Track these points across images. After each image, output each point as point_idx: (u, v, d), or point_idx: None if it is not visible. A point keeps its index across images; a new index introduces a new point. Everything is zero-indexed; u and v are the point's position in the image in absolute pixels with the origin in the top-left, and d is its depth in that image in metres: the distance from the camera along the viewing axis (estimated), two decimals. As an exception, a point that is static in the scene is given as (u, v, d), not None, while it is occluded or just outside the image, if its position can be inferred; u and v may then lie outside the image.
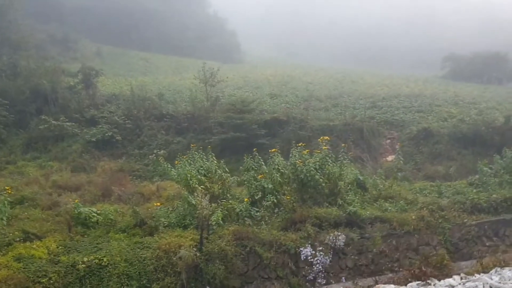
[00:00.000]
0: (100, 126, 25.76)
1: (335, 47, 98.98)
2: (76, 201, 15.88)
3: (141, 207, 15.68)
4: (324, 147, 16.31)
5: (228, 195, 16.05)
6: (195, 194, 13.80)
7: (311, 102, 31.35)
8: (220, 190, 16.26)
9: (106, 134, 25.12)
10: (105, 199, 17.33)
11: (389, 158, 25.86)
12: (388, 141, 26.92)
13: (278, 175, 15.26)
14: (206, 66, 29.15)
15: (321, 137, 16.85)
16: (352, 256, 13.55)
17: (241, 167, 17.74)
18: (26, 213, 15.08)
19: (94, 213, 14.17)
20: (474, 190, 16.54)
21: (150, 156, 24.24)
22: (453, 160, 23.45)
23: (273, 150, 16.28)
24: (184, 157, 16.25)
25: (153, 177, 22.12)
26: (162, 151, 24.23)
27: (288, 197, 14.44)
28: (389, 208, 15.12)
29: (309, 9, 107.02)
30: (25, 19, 51.31)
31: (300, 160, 15.57)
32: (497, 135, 23.81)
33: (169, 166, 16.44)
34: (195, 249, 12.27)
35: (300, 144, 16.57)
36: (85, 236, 13.20)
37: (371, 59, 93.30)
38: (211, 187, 15.75)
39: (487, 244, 14.06)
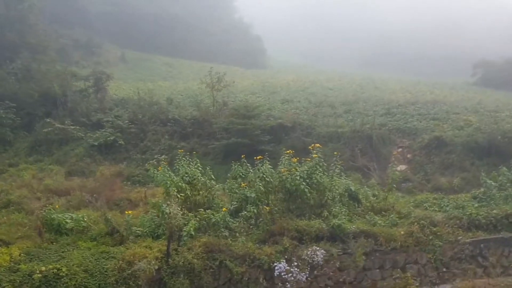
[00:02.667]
0: (104, 130, 25.60)
1: (363, 52, 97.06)
2: (57, 206, 15.67)
3: (123, 215, 15.29)
4: (314, 155, 15.48)
5: (213, 204, 15.40)
6: (168, 202, 13.22)
7: (322, 108, 30.40)
8: (205, 199, 15.70)
9: (109, 138, 24.96)
10: (90, 205, 16.97)
11: (400, 167, 24.66)
12: (400, 149, 25.68)
13: (261, 184, 14.47)
14: (213, 70, 28.58)
15: (312, 145, 16.00)
16: (332, 273, 12.65)
17: (229, 175, 17.09)
18: (5, 218, 14.85)
19: (69, 219, 13.77)
20: (476, 205, 15.34)
21: (150, 161, 23.85)
22: (466, 171, 22.06)
23: (259, 157, 15.53)
24: (165, 162, 15.63)
25: (150, 183, 21.70)
26: (163, 156, 23.80)
27: (268, 208, 13.63)
28: (379, 222, 14.11)
29: (336, 14, 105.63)
30: (50, 24, 52.51)
31: (284, 169, 14.81)
32: (515, 145, 22.31)
33: (155, 171, 15.94)
34: (158, 261, 11.68)
35: (288, 151, 15.78)
36: (54, 243, 12.80)
37: (401, 65, 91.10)
38: (192, 195, 15.18)
39: (483, 264, 12.87)
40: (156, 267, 11.28)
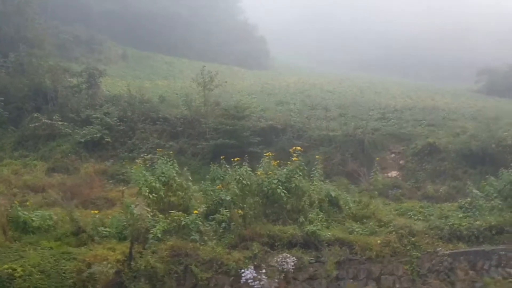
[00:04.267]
0: (92, 127, 25.17)
1: (367, 56, 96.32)
2: (28, 203, 15.30)
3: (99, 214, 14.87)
4: (295, 158, 14.98)
5: (189, 206, 14.91)
6: (137, 202, 12.76)
7: (316, 111, 29.83)
8: (181, 200, 15.24)
9: (95, 135, 24.49)
10: (64, 203, 16.53)
11: (392, 173, 24.09)
12: (392, 155, 25.09)
13: (236, 187, 13.98)
14: (205, 69, 28.13)
15: (293, 148, 15.51)
16: (303, 282, 12.12)
17: (207, 176, 16.65)
18: (-27, 214, 14.42)
19: (35, 217, 13.34)
20: (461, 215, 14.75)
21: (136, 160, 23.41)
22: (458, 179, 21.40)
23: (236, 159, 15.08)
24: (139, 162, 15.19)
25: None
26: (149, 155, 23.38)
27: (240, 211, 13.13)
28: (357, 229, 13.56)
29: (341, 17, 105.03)
30: (51, 20, 52.31)
31: (261, 171, 14.35)
32: (509, 154, 21.60)
33: (132, 170, 15.52)
34: (119, 264, 11.22)
35: (267, 154, 15.32)
36: (17, 242, 12.37)
37: (404, 70, 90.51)
38: (166, 196, 14.72)
39: (461, 277, 12.29)
40: (113, 270, 10.80)
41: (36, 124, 25.19)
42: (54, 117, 25.74)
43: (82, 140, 24.49)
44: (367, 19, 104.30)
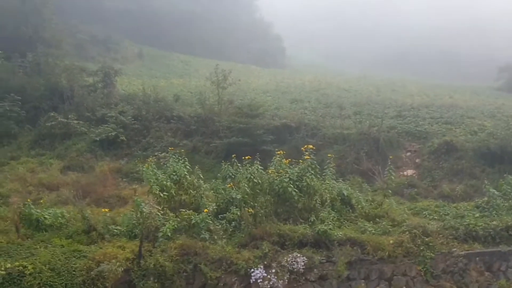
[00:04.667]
0: (107, 125, 25.36)
1: (386, 54, 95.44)
2: (42, 201, 15.40)
3: (111, 212, 14.95)
4: (306, 157, 14.80)
5: (201, 204, 14.85)
6: (147, 201, 12.75)
7: (331, 109, 29.58)
8: (193, 199, 15.21)
9: (110, 134, 24.67)
10: (78, 200, 16.64)
11: (408, 172, 23.72)
12: (408, 153, 24.70)
13: (247, 185, 13.88)
14: (219, 67, 28.09)
15: (305, 146, 15.31)
16: (314, 282, 11.96)
17: (218, 175, 16.57)
18: (-11, 211, 14.64)
19: (47, 215, 13.42)
20: (477, 214, 14.39)
21: (150, 158, 23.49)
22: (475, 178, 20.93)
23: (247, 157, 14.97)
24: (150, 160, 15.21)
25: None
26: (163, 154, 23.45)
27: (250, 210, 13.01)
28: (369, 229, 13.33)
29: (359, 15, 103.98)
30: (69, 20, 52.96)
31: (272, 170, 14.21)
32: (529, 152, 21.09)
33: (143, 169, 15.52)
34: (129, 262, 11.21)
35: (279, 152, 15.17)
36: (29, 239, 12.46)
37: (424, 68, 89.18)
38: (177, 194, 14.69)
39: (477, 279, 11.98)
40: (122, 268, 10.78)
41: (52, 123, 25.53)
42: (70, 116, 26.05)
43: (97, 138, 24.71)
44: (386, 17, 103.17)
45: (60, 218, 13.26)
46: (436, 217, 15.12)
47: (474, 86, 61.40)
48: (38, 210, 13.36)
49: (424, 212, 15.97)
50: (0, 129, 25.73)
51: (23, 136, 26.08)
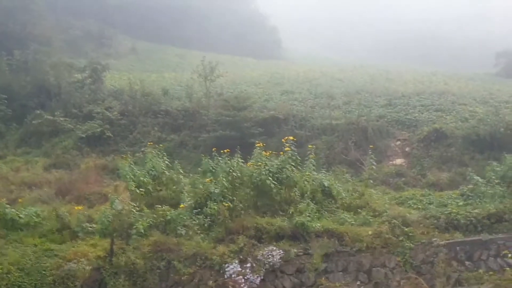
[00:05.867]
0: (93, 122, 25.13)
1: (384, 43, 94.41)
2: (20, 200, 15.21)
3: (90, 210, 14.76)
4: (287, 149, 14.54)
5: (180, 199, 14.62)
6: (120, 198, 12.53)
7: (321, 99, 29.23)
8: (173, 194, 15.01)
9: (96, 130, 24.46)
10: (57, 198, 16.46)
11: (397, 161, 23.43)
12: (398, 142, 24.39)
13: (225, 179, 13.62)
14: (205, 59, 27.74)
15: (286, 137, 15.06)
16: (291, 276, 11.73)
17: (199, 169, 16.31)
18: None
19: (22, 214, 13.21)
20: (461, 203, 14.11)
21: (137, 154, 23.27)
22: (465, 165, 20.60)
23: (226, 150, 14.73)
24: (126, 156, 14.97)
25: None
26: (149, 149, 23.23)
27: (227, 204, 12.77)
28: (348, 220, 13.08)
29: (357, 4, 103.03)
30: (62, 16, 52.62)
31: (251, 163, 13.97)
32: (519, 138, 20.74)
33: (121, 165, 15.29)
34: (101, 260, 11.01)
35: (258, 144, 14.90)
36: (2, 239, 12.26)
37: (423, 56, 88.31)
38: (155, 190, 14.48)
39: (458, 268, 11.72)
40: (90, 267, 10.58)
41: (39, 120, 25.38)
42: (56, 113, 25.83)
43: (84, 135, 24.56)
44: (385, 5, 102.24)
45: (34, 217, 13.03)
46: (420, 206, 14.84)
47: (472, 72, 60.74)
48: (13, 210, 13.14)
49: (409, 202, 15.68)
50: (-15, 128, 25.58)
51: (10, 135, 25.96)
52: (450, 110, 26.45)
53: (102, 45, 55.67)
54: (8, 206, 13.25)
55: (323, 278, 11.43)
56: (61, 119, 25.43)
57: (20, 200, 15.04)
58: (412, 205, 15.31)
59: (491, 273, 10.31)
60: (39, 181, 18.54)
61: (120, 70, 45.66)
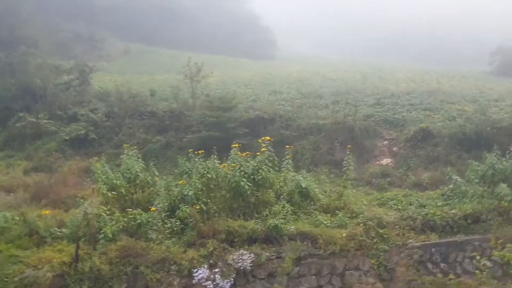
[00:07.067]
0: (77, 124, 24.87)
1: (378, 42, 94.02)
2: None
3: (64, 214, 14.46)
4: (263, 149, 14.26)
5: (155, 202, 14.30)
6: (90, 201, 12.24)
7: (309, 99, 28.98)
8: (149, 197, 14.70)
9: (80, 133, 24.19)
10: (33, 203, 16.18)
11: (384, 161, 23.18)
12: (386, 142, 24.14)
13: (198, 181, 13.34)
14: (191, 60, 27.55)
15: (262, 138, 14.78)
16: (263, 280, 11.45)
17: (175, 170, 16.02)
18: None
19: (-8, 219, 12.91)
20: (440, 203, 13.84)
21: (121, 156, 22.97)
22: (451, 164, 20.33)
23: (200, 151, 14.43)
24: (96, 159, 14.70)
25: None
26: (133, 151, 22.96)
27: (198, 207, 12.48)
28: (324, 222, 12.79)
29: (350, 3, 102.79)
30: (52, 18, 52.32)
31: (225, 164, 13.69)
32: (505, 136, 20.44)
33: (96, 168, 14.98)
34: (66, 266, 10.72)
35: (235, 145, 14.63)
36: (-32, 245, 11.96)
37: (417, 54, 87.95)
38: (128, 193, 14.18)
39: (433, 271, 11.44)
40: (52, 274, 10.27)
41: (22, 123, 25.07)
42: (40, 116, 25.55)
43: (67, 137, 24.32)
44: (378, 4, 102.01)
45: (1, 222, 12.72)
46: (400, 207, 14.56)
47: (466, 70, 60.42)
48: (-20, 215, 12.85)
49: (390, 202, 15.42)
50: (-31, 132, 25.30)
51: (-7, 138, 25.64)
52: (439, 109, 26.23)
53: (94, 48, 55.45)
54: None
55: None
56: (45, 121, 25.17)
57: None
58: (393, 206, 15.05)
59: (451, 277, 9.96)
60: (17, 185, 18.23)
61: (111, 73, 45.46)
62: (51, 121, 25.52)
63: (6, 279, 10.48)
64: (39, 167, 22.00)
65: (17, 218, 13.24)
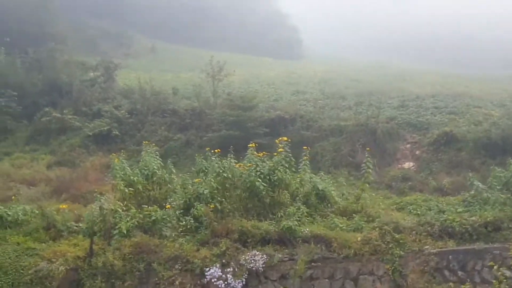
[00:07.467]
0: (100, 120, 25.24)
1: (410, 44, 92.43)
2: (13, 198, 15.24)
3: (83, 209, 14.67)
4: (280, 149, 14.17)
5: (171, 199, 14.39)
6: (104, 197, 12.39)
7: (332, 100, 28.70)
8: (165, 194, 14.79)
9: (103, 129, 24.54)
10: (54, 196, 16.51)
11: (406, 165, 22.79)
12: (408, 145, 23.72)
13: (213, 180, 13.34)
14: (213, 59, 27.56)
15: (279, 138, 14.68)
16: (275, 282, 11.36)
17: (193, 168, 16.09)
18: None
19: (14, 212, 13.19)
20: (460, 209, 13.48)
21: (142, 153, 23.23)
22: (475, 170, 19.79)
23: (217, 150, 14.44)
24: (115, 155, 14.86)
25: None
26: (155, 148, 23.17)
27: (212, 206, 12.48)
28: (340, 225, 12.62)
29: (379, 4, 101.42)
30: (82, 16, 53.28)
31: (240, 164, 13.66)
32: (533, 142, 19.86)
33: (115, 164, 15.18)
34: (80, 261, 10.86)
35: (252, 145, 14.57)
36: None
37: (450, 57, 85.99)
38: (145, 190, 14.29)
39: (450, 279, 11.15)
40: (64, 267, 10.41)
41: (48, 118, 25.53)
42: (65, 111, 25.98)
43: (91, 133, 24.65)
44: (409, 6, 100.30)
45: (21, 215, 12.97)
46: (419, 212, 14.24)
47: (497, 74, 58.90)
48: (1, 207, 13.13)
49: (409, 207, 15.10)
50: (-3, 124, 25.97)
51: (20, 132, 26.28)
52: (464, 112, 25.60)
53: (121, 45, 56.20)
54: (-2, 203, 13.27)
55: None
56: (70, 117, 25.63)
57: (13, 197, 15.06)
58: (412, 210, 14.73)
59: (467, 285, 9.64)
60: (40, 179, 18.63)
61: (137, 70, 45.93)
62: (75, 116, 25.97)
63: (22, 271, 10.69)
64: (62, 162, 22.44)
65: (36, 212, 13.56)
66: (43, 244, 11.62)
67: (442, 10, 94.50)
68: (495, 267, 8.52)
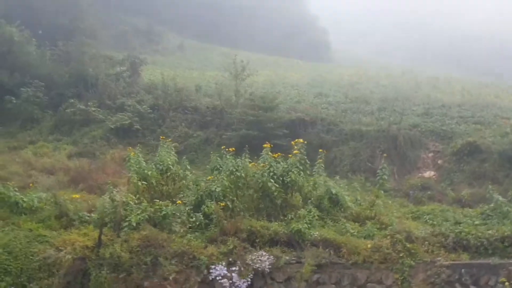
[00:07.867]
0: (123, 114, 25.55)
1: (441, 51, 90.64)
2: (31, 185, 15.53)
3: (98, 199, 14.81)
4: (295, 151, 14.04)
5: (183, 195, 14.41)
6: (117, 189, 12.49)
7: (355, 104, 28.34)
8: (179, 190, 14.83)
9: (125, 122, 24.83)
10: (71, 186, 16.74)
11: (427, 174, 22.30)
12: (431, 154, 23.21)
13: (226, 178, 13.31)
14: (237, 58, 27.59)
15: (296, 140, 14.55)
16: (281, 284, 11.25)
17: (207, 166, 16.09)
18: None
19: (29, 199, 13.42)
20: (477, 222, 13.09)
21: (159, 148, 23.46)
22: (498, 183, 19.23)
23: (231, 149, 14.44)
24: (130, 149, 14.98)
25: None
26: (174, 144, 23.31)
27: (222, 204, 12.44)
28: (351, 230, 12.41)
29: (412, 9, 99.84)
30: (114, 12, 54.19)
31: (253, 164, 13.60)
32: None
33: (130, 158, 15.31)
34: (88, 251, 10.97)
35: (266, 145, 14.49)
36: (2, 221, 12.47)
37: (482, 66, 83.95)
38: (158, 184, 14.36)
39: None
40: (71, 256, 10.53)
41: (72, 109, 25.97)
42: (89, 104, 26.38)
43: (113, 126, 24.95)
44: (438, 10, 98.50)
45: (36, 203, 13.19)
46: (435, 223, 13.92)
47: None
48: (17, 193, 13.36)
49: (425, 217, 14.78)
50: (24, 113, 26.56)
51: (45, 121, 26.82)
52: (491, 123, 24.88)
53: (151, 42, 56.91)
54: (15, 189, 13.48)
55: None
56: (93, 109, 26.01)
57: (31, 184, 15.34)
58: (428, 220, 14.43)
59: None
60: (59, 168, 18.92)
61: (164, 66, 46.39)
62: (99, 109, 26.34)
63: (31, 257, 10.87)
64: (83, 153, 22.76)
65: (51, 200, 13.77)
66: (54, 232, 11.78)
67: (477, 15, 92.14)
68: (506, 283, 8.22)
